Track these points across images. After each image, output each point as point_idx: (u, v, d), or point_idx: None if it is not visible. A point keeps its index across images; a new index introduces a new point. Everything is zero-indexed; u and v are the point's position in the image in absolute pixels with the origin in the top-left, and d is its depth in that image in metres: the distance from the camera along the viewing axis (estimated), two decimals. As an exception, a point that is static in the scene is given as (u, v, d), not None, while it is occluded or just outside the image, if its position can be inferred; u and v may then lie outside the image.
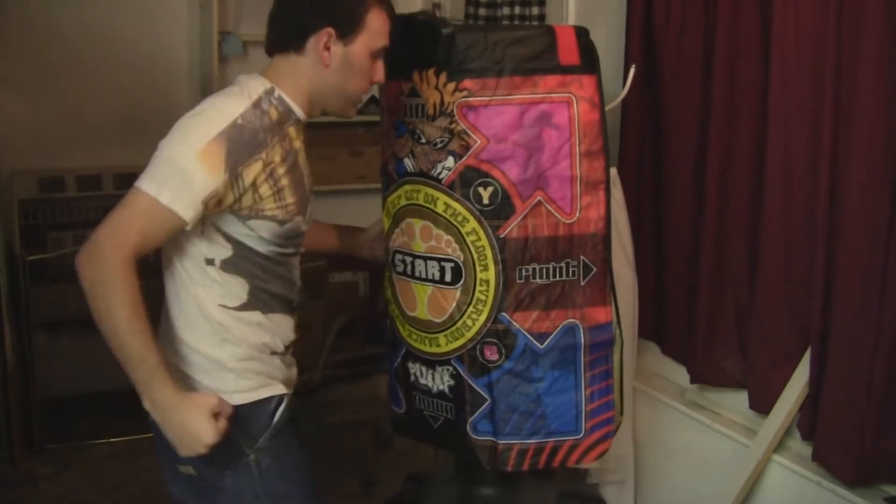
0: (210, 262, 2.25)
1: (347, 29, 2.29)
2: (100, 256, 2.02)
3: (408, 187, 2.82)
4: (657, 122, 3.55)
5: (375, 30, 2.33)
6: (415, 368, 2.94)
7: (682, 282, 3.48)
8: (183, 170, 2.09)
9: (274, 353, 2.38)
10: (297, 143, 2.36)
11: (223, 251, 2.25)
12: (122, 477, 4.30)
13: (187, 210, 2.09)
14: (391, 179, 2.91)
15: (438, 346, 2.83)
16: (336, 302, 4.33)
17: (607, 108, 2.85)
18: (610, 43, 3.71)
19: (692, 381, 3.44)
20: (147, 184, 2.08)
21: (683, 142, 3.42)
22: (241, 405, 2.27)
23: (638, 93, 3.50)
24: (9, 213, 4.60)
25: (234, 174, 2.14)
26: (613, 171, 3.23)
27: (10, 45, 4.71)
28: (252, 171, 2.18)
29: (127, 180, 4.62)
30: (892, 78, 2.62)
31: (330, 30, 2.27)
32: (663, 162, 3.54)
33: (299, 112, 2.34)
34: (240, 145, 2.15)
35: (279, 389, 2.37)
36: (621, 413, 2.99)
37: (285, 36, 2.31)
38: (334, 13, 2.27)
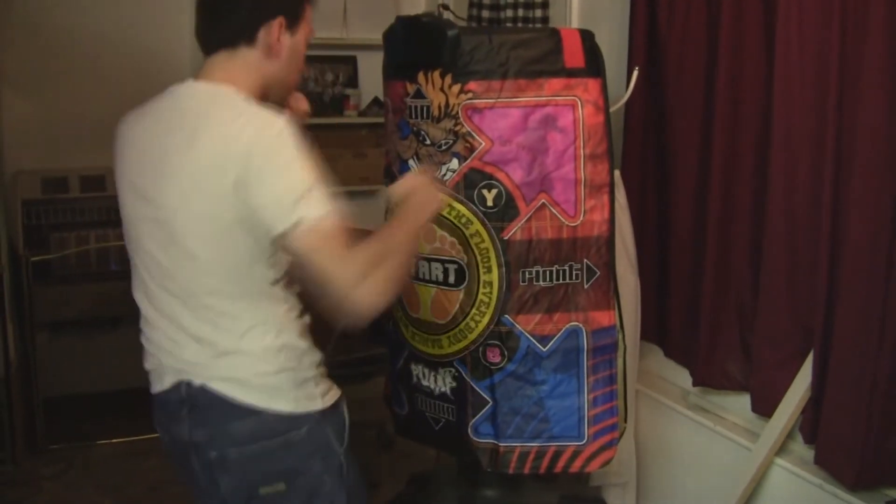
0: (275, 282, 2.17)
1: (294, 18, 2.24)
2: (363, 282, 1.99)
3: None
4: (660, 124, 3.55)
5: (309, 19, 2.30)
6: (417, 370, 2.95)
7: (684, 285, 3.48)
8: (311, 183, 2.03)
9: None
10: None
11: (282, 268, 2.17)
12: (124, 477, 4.30)
13: (339, 208, 2.04)
14: (395, 180, 2.91)
15: (441, 347, 2.84)
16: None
17: (611, 110, 2.85)
18: (613, 45, 3.71)
19: (695, 384, 3.44)
20: (312, 212, 2.00)
21: (686, 144, 3.41)
22: (328, 407, 2.25)
23: (641, 95, 3.50)
24: (12, 213, 4.61)
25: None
26: (616, 174, 3.23)
27: (14, 46, 4.72)
28: None
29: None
30: (895, 79, 2.62)
31: (281, 19, 2.20)
32: (666, 164, 3.54)
33: None
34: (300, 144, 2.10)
35: (340, 390, 2.34)
36: (625, 420, 2.99)
37: (235, 29, 2.20)
38: (283, 2, 2.22)
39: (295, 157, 2.05)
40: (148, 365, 2.30)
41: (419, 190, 2.31)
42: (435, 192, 2.33)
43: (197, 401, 2.17)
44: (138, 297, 2.28)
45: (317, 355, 2.27)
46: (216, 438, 2.17)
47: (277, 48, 2.22)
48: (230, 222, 2.05)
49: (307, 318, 2.28)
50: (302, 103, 2.61)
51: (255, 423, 2.15)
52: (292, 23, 2.23)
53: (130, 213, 2.24)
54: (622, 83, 3.50)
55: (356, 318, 2.02)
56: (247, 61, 2.21)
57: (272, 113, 2.09)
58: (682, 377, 3.57)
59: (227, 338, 2.15)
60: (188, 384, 2.18)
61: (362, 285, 1.99)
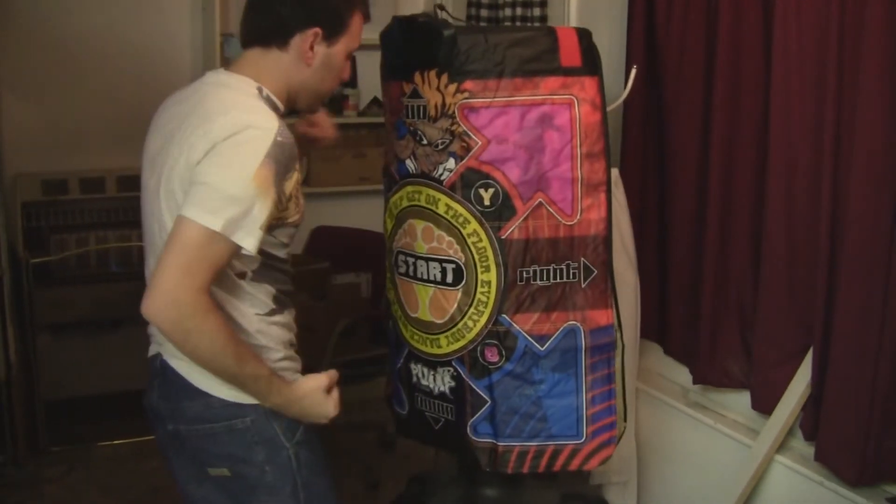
0: (242, 275, 2.21)
1: (333, 31, 2.27)
2: (174, 301, 2.00)
3: (410, 188, 2.82)
4: (659, 123, 3.55)
5: (355, 33, 2.33)
6: (417, 369, 2.95)
7: (684, 282, 3.48)
8: (238, 198, 2.04)
9: (292, 345, 2.39)
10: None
11: (253, 264, 2.21)
12: (126, 479, 4.31)
13: (248, 239, 2.06)
14: (393, 181, 2.91)
15: (440, 347, 2.84)
16: (339, 303, 4.33)
17: (609, 109, 2.85)
18: (612, 44, 3.71)
19: (695, 382, 3.44)
20: (202, 216, 2.02)
21: (686, 143, 3.41)
22: (272, 419, 2.27)
23: (640, 94, 3.50)
24: (12, 215, 4.61)
25: (279, 192, 2.12)
26: (615, 173, 3.23)
27: (14, 49, 4.72)
28: (290, 185, 2.17)
29: (129, 182, 4.68)
30: (894, 76, 2.62)
31: (317, 30, 2.24)
32: (666, 163, 3.54)
33: (281, 107, 2.29)
34: (282, 163, 2.10)
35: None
36: (624, 419, 2.99)
37: (271, 31, 2.25)
38: (322, 14, 2.25)
39: (239, 160, 2.06)
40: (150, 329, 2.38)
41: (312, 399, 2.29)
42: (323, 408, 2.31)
43: (165, 374, 2.26)
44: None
45: (279, 353, 2.31)
46: (174, 413, 2.26)
47: (309, 57, 2.26)
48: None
49: (281, 318, 2.32)
50: (327, 129, 2.73)
51: (202, 406, 2.21)
52: (331, 34, 2.27)
53: (143, 187, 2.32)
54: (621, 81, 3.50)
55: (143, 313, 2.03)
56: (276, 63, 2.26)
57: (264, 115, 2.13)
58: (682, 375, 3.57)
59: None
60: (160, 357, 2.28)
61: (163, 307, 2.01)
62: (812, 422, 2.94)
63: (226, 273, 2.15)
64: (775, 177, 3.00)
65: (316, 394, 2.27)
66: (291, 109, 2.37)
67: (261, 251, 2.16)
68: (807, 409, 2.98)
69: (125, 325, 4.66)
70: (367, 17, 2.37)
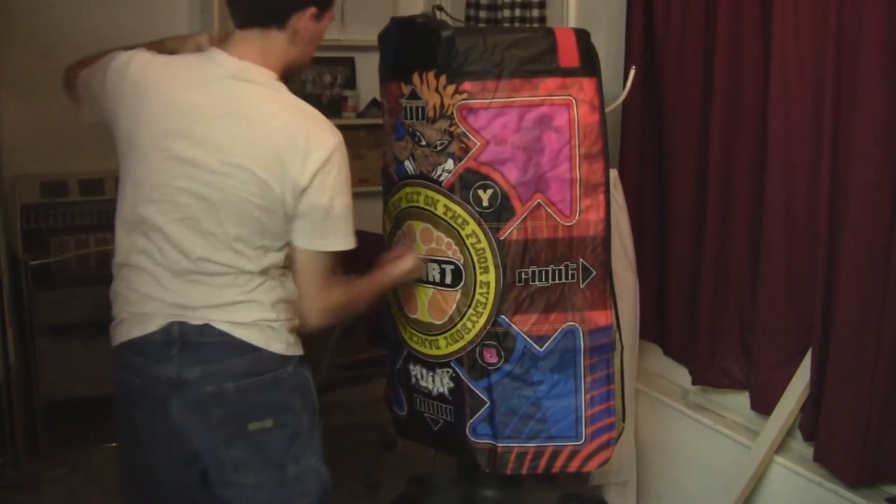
0: (285, 268, 2.42)
1: (324, 8, 2.39)
2: (325, 310, 2.45)
3: (408, 189, 2.82)
4: (658, 123, 3.55)
5: (332, 10, 2.45)
6: (416, 371, 2.95)
7: (683, 283, 3.48)
8: (351, 212, 2.39)
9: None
10: None
11: (287, 257, 2.42)
12: (126, 481, 4.30)
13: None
14: (392, 182, 2.92)
15: (438, 348, 2.84)
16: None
17: (608, 109, 2.85)
18: (610, 45, 3.71)
19: (694, 383, 3.44)
20: (339, 243, 2.39)
21: (684, 143, 3.42)
22: (302, 354, 2.48)
23: (639, 94, 3.50)
24: (11, 217, 4.60)
25: None
26: (614, 173, 3.23)
27: (12, 50, 4.72)
28: None
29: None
30: (892, 78, 2.62)
31: (314, 9, 2.35)
32: (665, 163, 3.54)
33: None
34: None
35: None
36: (623, 420, 2.99)
37: (270, 12, 2.34)
38: None
39: (345, 180, 2.35)
40: (122, 314, 2.48)
41: (410, 265, 2.79)
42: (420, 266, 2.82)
43: (189, 339, 2.33)
44: (126, 240, 2.48)
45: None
46: (214, 374, 2.33)
47: (303, 35, 2.37)
48: (270, 202, 2.29)
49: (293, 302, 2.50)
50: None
51: (252, 360, 2.35)
52: (321, 13, 2.39)
53: (158, 151, 2.36)
54: (619, 82, 3.50)
55: (311, 329, 2.47)
56: (275, 43, 2.35)
57: (331, 127, 2.34)
58: (681, 376, 3.57)
59: (240, 290, 2.35)
60: (181, 324, 2.33)
61: (323, 317, 2.45)
62: (811, 422, 2.94)
63: (284, 267, 2.41)
64: (774, 177, 3.00)
65: (408, 265, 2.77)
66: None
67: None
68: (806, 409, 2.98)
69: (125, 326, 4.66)
70: None
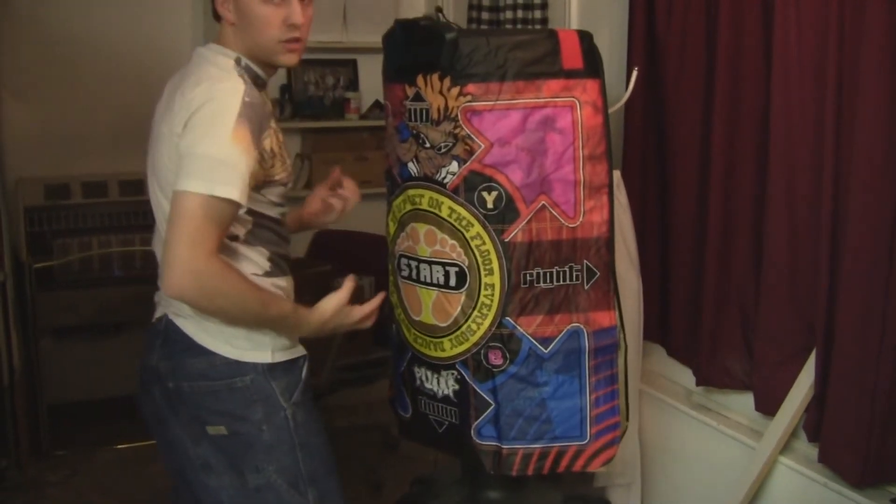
0: (234, 238, 2.33)
1: None
2: (190, 272, 2.15)
3: (412, 192, 2.83)
4: (660, 124, 3.55)
5: None
6: (420, 373, 2.95)
7: (686, 284, 3.48)
8: (224, 160, 2.17)
9: None
10: (269, 106, 2.44)
11: (245, 225, 2.35)
12: (129, 483, 4.31)
13: (242, 195, 2.19)
14: (395, 184, 2.92)
15: (443, 350, 2.84)
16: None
17: (610, 111, 2.85)
18: (612, 46, 3.71)
19: (698, 384, 3.44)
20: (197, 184, 2.15)
21: (687, 144, 3.42)
22: (279, 363, 2.40)
23: (641, 96, 3.50)
24: (15, 220, 4.62)
25: (259, 148, 2.26)
26: (617, 175, 3.23)
27: (16, 54, 4.73)
28: (268, 142, 2.32)
29: (132, 187, 4.69)
30: (894, 79, 2.62)
31: None
32: (667, 164, 3.54)
33: (263, 74, 2.43)
34: (255, 120, 2.24)
35: (302, 350, 2.51)
36: (627, 419, 2.99)
37: (211, 7, 2.42)
38: None
39: (216, 125, 2.20)
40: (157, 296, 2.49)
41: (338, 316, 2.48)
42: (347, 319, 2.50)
43: (168, 333, 2.37)
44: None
45: None
46: (176, 370, 2.36)
47: (228, 17, 2.37)
48: (170, 159, 2.26)
49: (280, 281, 2.45)
50: (349, 192, 2.90)
51: (205, 363, 2.33)
52: None
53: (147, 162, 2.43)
54: (622, 84, 3.50)
55: (166, 293, 2.21)
56: (227, 33, 2.39)
57: (230, 83, 2.27)
58: (685, 376, 3.57)
59: None
60: (167, 317, 2.39)
61: (181, 278, 2.15)
62: (815, 423, 2.94)
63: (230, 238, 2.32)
64: (776, 177, 3.00)
65: (341, 311, 2.44)
66: (273, 67, 2.45)
67: (251, 211, 2.34)
68: (810, 410, 2.98)
69: (128, 328, 4.67)
70: None
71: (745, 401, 3.27)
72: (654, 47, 3.52)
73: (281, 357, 2.41)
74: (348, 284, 2.46)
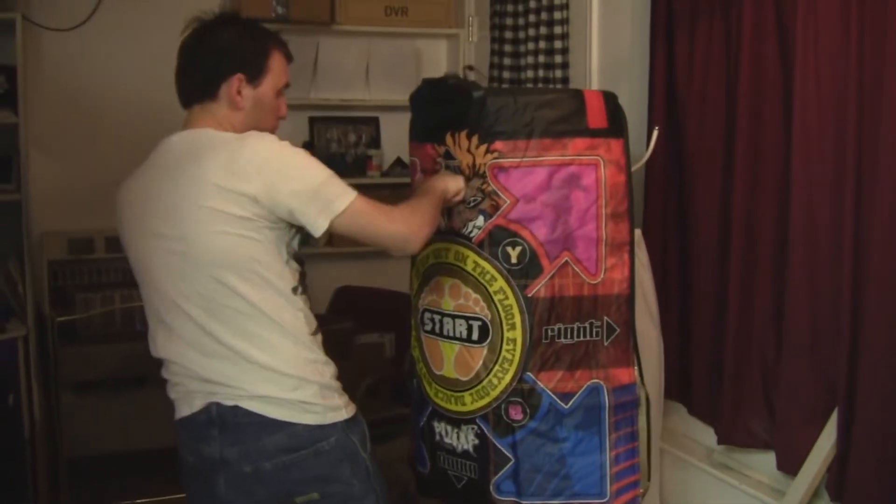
0: (295, 290, 2.39)
1: (255, 73, 2.45)
2: (405, 235, 2.40)
3: (437, 245, 2.84)
4: (681, 183, 3.57)
5: (278, 70, 2.50)
6: (440, 427, 2.95)
7: (707, 342, 3.48)
8: (327, 176, 2.31)
9: (313, 332, 2.49)
10: None
11: (295, 273, 2.41)
12: (147, 537, 4.30)
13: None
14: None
15: (464, 404, 2.84)
16: (362, 363, 4.34)
17: (632, 169, 2.87)
18: (633, 104, 3.74)
19: (719, 442, 3.43)
20: (334, 207, 2.28)
21: (707, 203, 3.43)
22: (352, 417, 2.46)
23: (662, 154, 3.52)
24: (38, 274, 4.64)
25: None
26: (638, 233, 3.24)
27: (42, 108, 4.78)
28: None
29: (155, 241, 4.65)
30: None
31: (240, 75, 2.43)
32: (688, 223, 3.56)
33: None
34: None
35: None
36: (648, 478, 2.98)
37: (201, 87, 2.46)
38: (242, 60, 2.44)
39: (301, 155, 2.32)
40: (173, 394, 2.48)
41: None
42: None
43: (227, 419, 2.35)
44: (158, 337, 2.46)
45: (333, 367, 2.47)
46: (252, 453, 2.35)
47: (238, 101, 2.44)
48: (252, 229, 2.28)
49: (320, 336, 2.48)
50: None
51: (286, 436, 2.34)
52: (254, 77, 2.46)
53: (143, 257, 2.46)
54: (643, 141, 3.52)
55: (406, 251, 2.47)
56: (214, 113, 2.45)
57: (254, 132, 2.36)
58: (706, 435, 3.56)
59: (255, 353, 2.33)
60: (218, 405, 2.36)
61: (410, 235, 2.40)
62: (838, 482, 2.92)
63: (280, 286, 2.36)
64: (797, 234, 3.01)
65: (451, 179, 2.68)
66: None
67: (298, 259, 2.44)
68: (832, 469, 2.96)
69: (149, 383, 4.66)
70: (288, 57, 2.55)
71: (767, 460, 3.25)
72: (674, 106, 3.55)
73: (351, 411, 2.47)
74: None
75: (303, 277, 2.43)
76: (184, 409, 2.44)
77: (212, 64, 2.45)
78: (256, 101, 2.46)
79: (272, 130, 2.48)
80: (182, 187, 2.32)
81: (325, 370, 2.43)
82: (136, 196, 2.50)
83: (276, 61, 2.49)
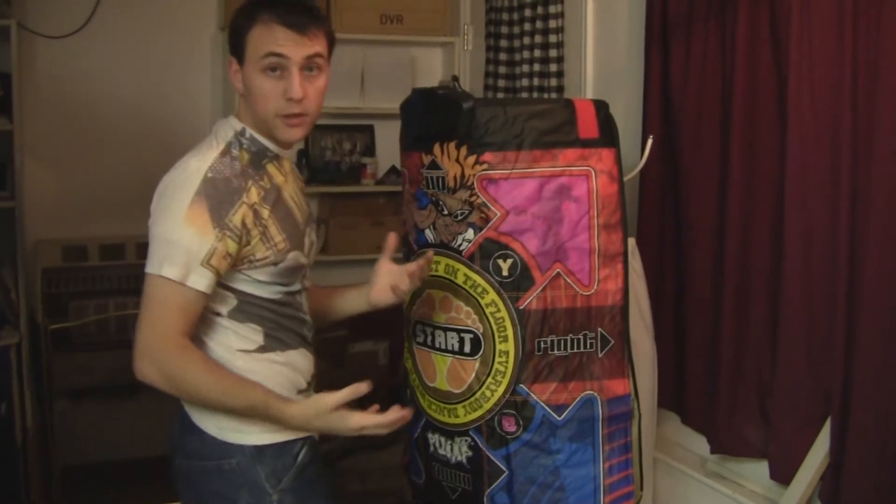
0: (218, 314, 2.27)
1: (239, 54, 2.28)
2: (150, 355, 2.12)
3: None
4: (676, 192, 3.57)
5: (256, 44, 2.22)
6: (434, 439, 2.95)
7: (702, 351, 3.47)
8: (177, 242, 2.12)
9: (299, 391, 2.38)
10: (280, 179, 2.34)
11: (228, 302, 2.27)
12: (141, 546, 4.29)
13: (200, 280, 2.14)
14: (411, 250, 2.93)
15: (457, 416, 2.84)
16: (356, 371, 4.33)
17: (626, 178, 2.87)
18: (628, 113, 3.74)
19: (713, 452, 3.42)
20: (153, 267, 2.13)
21: (702, 212, 3.43)
22: (267, 445, 2.28)
23: (656, 163, 3.52)
24: (32, 281, 4.64)
25: (224, 226, 2.16)
26: (632, 242, 3.24)
27: (37, 117, 4.78)
28: (239, 217, 2.18)
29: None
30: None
31: (231, 59, 2.30)
32: (682, 232, 3.55)
33: (273, 146, 2.33)
34: (218, 198, 2.16)
35: (299, 433, 2.32)
36: (641, 488, 2.98)
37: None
38: (231, 42, 2.30)
39: (171, 205, 2.16)
40: None
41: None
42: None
43: (181, 409, 2.34)
44: None
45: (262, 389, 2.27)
46: (178, 447, 2.34)
47: (238, 86, 2.32)
48: None
49: (277, 356, 2.32)
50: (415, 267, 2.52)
51: (198, 441, 2.28)
52: (240, 58, 2.28)
53: None
54: (637, 150, 3.52)
55: (137, 377, 2.15)
56: (239, 102, 2.36)
57: (201, 157, 2.23)
58: (700, 444, 3.56)
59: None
60: None
61: (138, 358, 2.14)
62: (832, 491, 2.92)
63: (213, 309, 2.25)
64: (792, 244, 3.01)
65: (330, 414, 2.15)
66: (279, 141, 2.33)
67: (233, 290, 2.26)
68: (826, 478, 2.96)
69: (143, 391, 4.63)
70: (282, 22, 2.22)
71: (761, 469, 3.25)
72: (669, 115, 3.55)
73: (269, 440, 2.28)
74: (349, 389, 2.18)
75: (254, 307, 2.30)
76: None
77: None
78: (246, 84, 2.27)
79: (279, 112, 2.25)
80: None
81: None
82: None
83: (254, 36, 2.23)
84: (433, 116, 2.79)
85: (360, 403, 2.23)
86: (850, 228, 2.80)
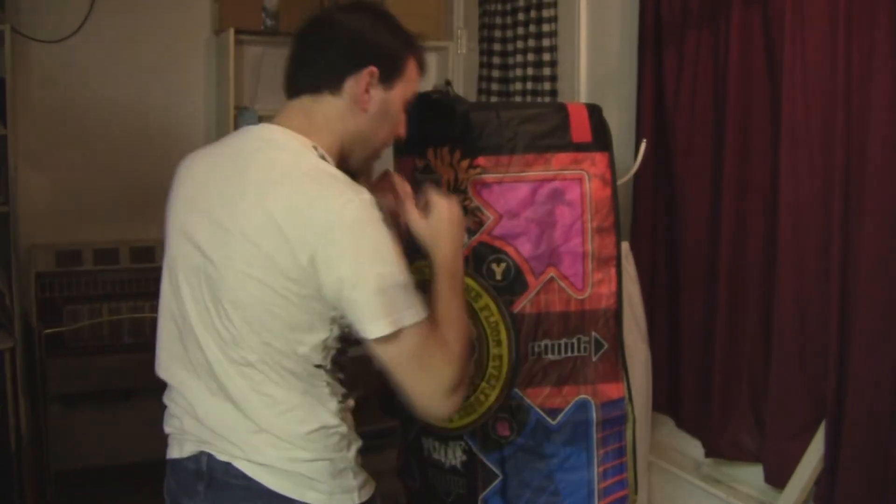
0: (320, 366, 2.06)
1: (390, 72, 2.09)
2: (442, 398, 2.01)
3: (422, 263, 2.83)
4: (670, 196, 3.57)
5: (412, 79, 2.16)
6: (428, 443, 2.94)
7: (696, 355, 3.48)
8: (401, 280, 1.97)
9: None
10: None
11: (330, 351, 2.09)
12: (135, 551, 4.28)
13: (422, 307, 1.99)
14: (406, 253, 2.92)
15: (451, 420, 2.83)
16: (351, 375, 4.33)
17: (619, 182, 2.87)
18: (621, 117, 3.75)
19: (707, 455, 3.43)
20: (398, 321, 1.93)
21: (696, 216, 3.43)
22: (368, 500, 2.15)
23: (650, 167, 3.53)
24: (26, 286, 4.63)
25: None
26: (626, 246, 3.24)
27: (31, 121, 4.77)
28: None
29: (143, 254, 4.69)
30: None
31: (373, 69, 2.06)
32: (676, 235, 3.56)
33: (331, 163, 2.06)
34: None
35: (373, 482, 2.23)
36: (636, 492, 2.98)
37: (321, 76, 2.07)
38: (378, 54, 2.08)
39: (381, 241, 1.95)
40: (168, 428, 2.17)
41: (450, 226, 2.21)
42: (461, 226, 2.23)
43: (216, 477, 2.04)
44: (163, 355, 2.15)
45: (359, 442, 2.16)
46: None
47: (364, 101, 2.08)
48: (292, 297, 1.94)
49: (351, 402, 2.18)
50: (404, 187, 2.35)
51: None
52: (387, 76, 2.10)
53: (175, 258, 2.11)
54: (631, 154, 3.52)
55: (435, 422, 2.06)
56: (329, 110, 2.08)
57: (352, 185, 1.95)
58: (694, 448, 3.56)
59: (265, 414, 2.01)
60: (210, 457, 2.05)
61: (443, 406, 2.01)
62: (826, 495, 2.92)
63: (305, 366, 2.03)
64: (785, 249, 3.02)
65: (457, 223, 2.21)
66: (345, 167, 2.10)
67: (343, 336, 2.08)
68: (820, 482, 2.96)
69: (137, 395, 4.67)
70: (422, 68, 2.21)
71: (755, 473, 3.25)
72: (662, 118, 3.55)
73: (366, 495, 2.13)
74: (398, 184, 2.23)
75: (340, 354, 2.14)
76: (174, 450, 2.14)
77: (342, 52, 2.06)
78: (384, 105, 2.10)
79: (385, 146, 2.22)
80: (242, 212, 1.97)
81: (342, 444, 2.10)
82: (186, 183, 2.12)
83: (412, 68, 2.15)
84: (426, 121, 2.78)
85: (357, 405, 2.22)
86: (844, 233, 2.81)
